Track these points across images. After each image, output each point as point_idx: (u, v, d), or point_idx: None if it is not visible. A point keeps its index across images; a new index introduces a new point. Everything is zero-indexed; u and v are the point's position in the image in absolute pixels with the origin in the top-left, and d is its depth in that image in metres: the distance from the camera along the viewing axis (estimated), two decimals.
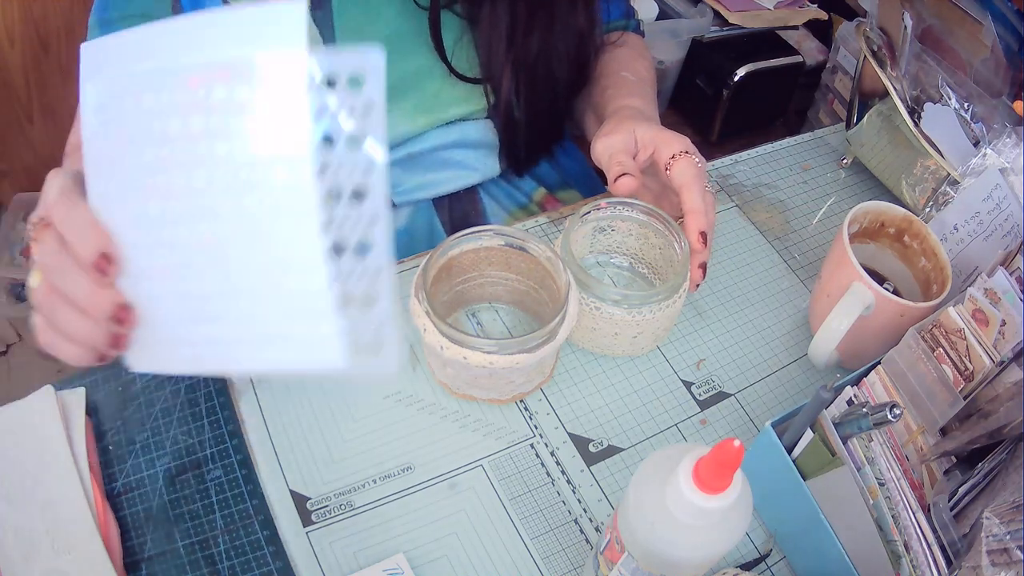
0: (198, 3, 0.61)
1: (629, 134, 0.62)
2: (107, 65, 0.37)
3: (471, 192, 0.77)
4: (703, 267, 0.61)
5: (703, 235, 0.58)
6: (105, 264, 0.38)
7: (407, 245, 0.75)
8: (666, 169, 0.60)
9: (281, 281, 0.36)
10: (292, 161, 0.34)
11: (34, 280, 0.41)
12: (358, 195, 0.34)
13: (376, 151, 0.33)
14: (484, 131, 0.74)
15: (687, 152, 0.60)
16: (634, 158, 0.61)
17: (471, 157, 0.75)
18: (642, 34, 0.84)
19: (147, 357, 0.41)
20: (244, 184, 0.35)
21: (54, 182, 0.41)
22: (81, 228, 0.38)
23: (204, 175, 0.35)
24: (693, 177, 0.59)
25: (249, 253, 0.36)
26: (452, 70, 0.68)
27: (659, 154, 0.61)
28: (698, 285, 0.62)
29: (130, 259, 0.38)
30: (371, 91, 0.32)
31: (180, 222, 0.36)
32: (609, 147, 0.61)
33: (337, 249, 0.34)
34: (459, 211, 0.76)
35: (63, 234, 0.39)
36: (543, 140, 0.79)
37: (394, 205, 0.73)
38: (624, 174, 0.58)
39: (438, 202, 0.76)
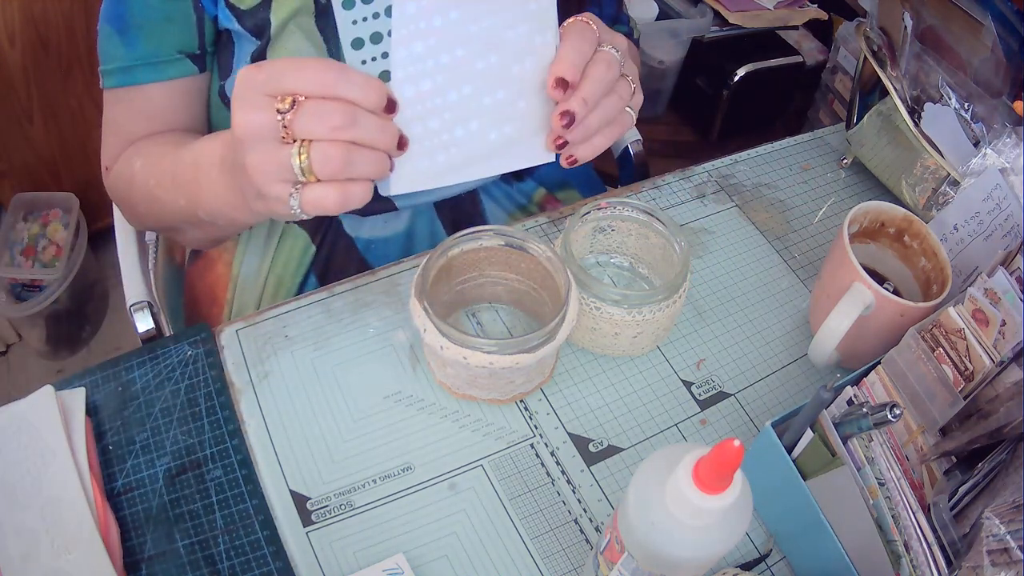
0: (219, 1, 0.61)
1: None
2: None
3: (472, 195, 0.77)
4: (566, 115, 0.52)
5: (560, 81, 0.51)
6: (393, 106, 0.47)
7: (408, 248, 0.75)
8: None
9: (516, 101, 0.53)
10: (541, 17, 0.51)
11: (301, 158, 0.46)
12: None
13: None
14: None
15: (582, 19, 0.54)
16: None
17: None
18: (635, 42, 0.83)
19: (403, 179, 0.53)
20: (494, 43, 0.50)
21: (295, 64, 0.46)
22: (363, 83, 0.46)
23: (461, 51, 0.50)
24: (569, 29, 0.53)
25: (496, 83, 0.52)
26: None
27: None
28: (561, 144, 0.54)
29: (407, 99, 0.49)
30: None
31: (451, 71, 0.50)
32: None
33: None
34: (460, 214, 0.77)
35: (340, 94, 0.45)
36: None
37: (395, 208, 0.73)
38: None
39: (439, 205, 0.76)
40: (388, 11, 0.46)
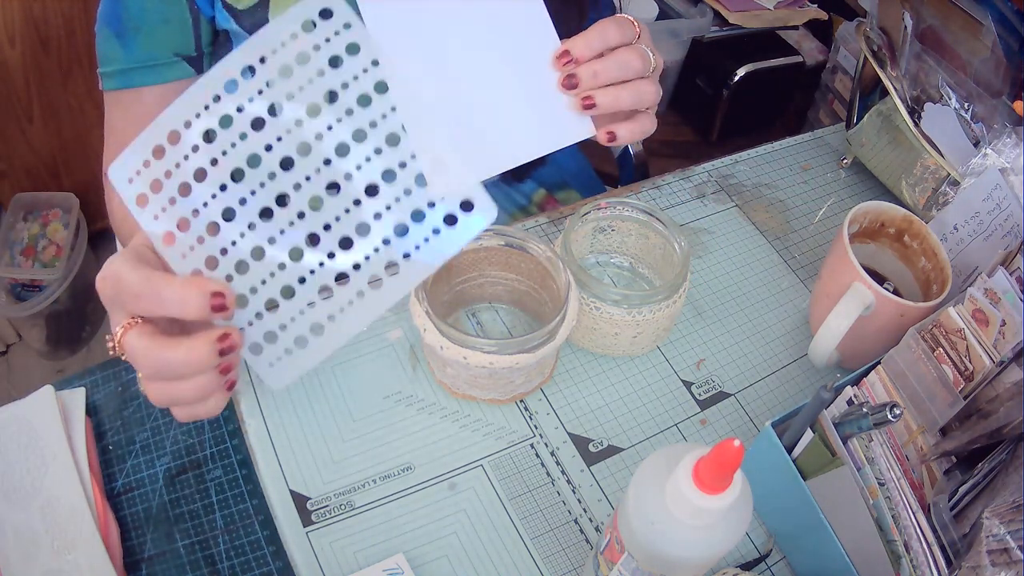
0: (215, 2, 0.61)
1: None
2: None
3: None
4: (570, 78, 0.48)
5: (564, 53, 0.47)
6: (222, 299, 0.39)
7: None
8: None
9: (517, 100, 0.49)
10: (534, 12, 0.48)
11: (142, 383, 0.43)
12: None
13: None
14: None
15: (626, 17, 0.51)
16: None
17: None
18: None
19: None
20: (489, 39, 0.47)
21: (116, 284, 0.40)
22: (175, 297, 0.39)
23: (459, 41, 0.47)
24: (605, 19, 0.49)
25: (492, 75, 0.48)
26: None
27: None
28: (590, 104, 0.48)
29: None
30: None
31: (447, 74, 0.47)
32: None
33: None
34: None
35: (163, 313, 0.40)
36: None
37: None
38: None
39: None
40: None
